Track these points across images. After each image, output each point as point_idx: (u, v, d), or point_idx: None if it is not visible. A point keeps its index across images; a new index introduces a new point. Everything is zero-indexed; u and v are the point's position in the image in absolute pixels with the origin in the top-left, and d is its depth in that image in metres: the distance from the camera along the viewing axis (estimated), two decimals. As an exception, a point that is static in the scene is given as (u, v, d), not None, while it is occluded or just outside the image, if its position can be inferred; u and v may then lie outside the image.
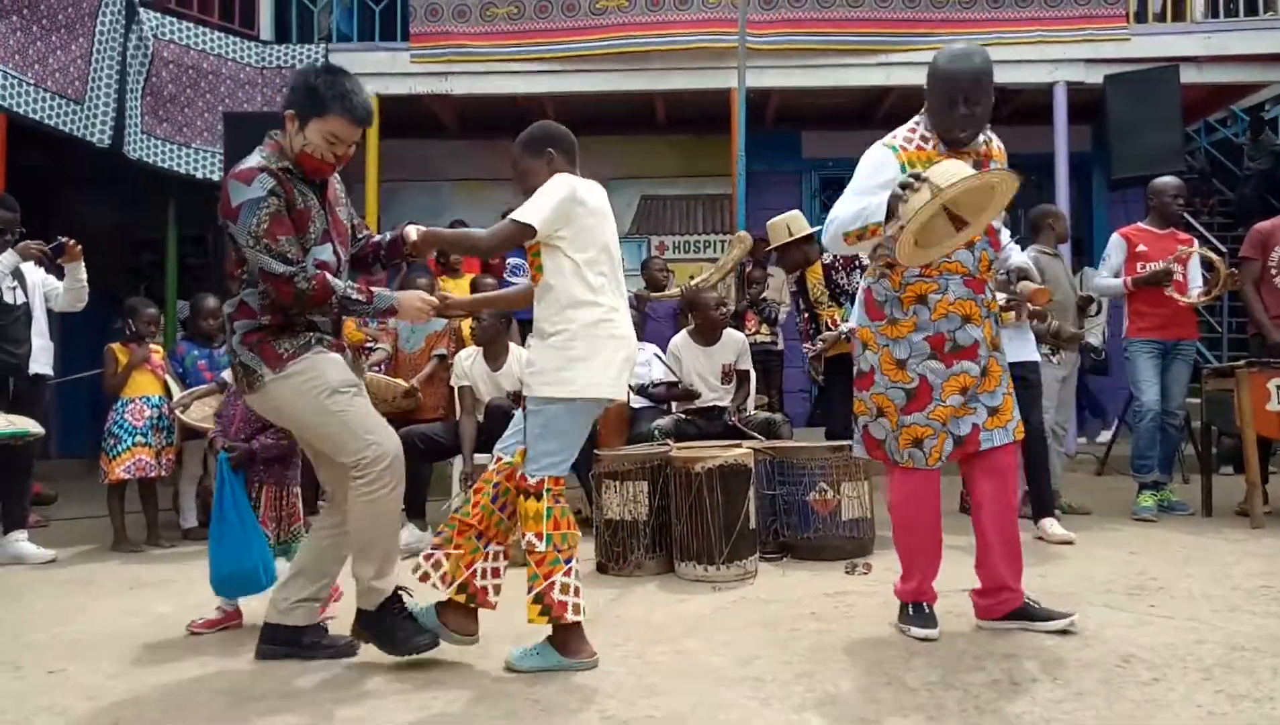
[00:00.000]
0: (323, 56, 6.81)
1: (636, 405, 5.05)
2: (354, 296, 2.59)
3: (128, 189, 7.94)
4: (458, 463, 4.60)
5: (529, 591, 2.55)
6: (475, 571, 2.63)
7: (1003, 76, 6.80)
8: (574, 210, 2.62)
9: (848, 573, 3.68)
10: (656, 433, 4.59)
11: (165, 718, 2.31)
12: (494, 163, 8.25)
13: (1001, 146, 2.93)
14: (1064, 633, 2.74)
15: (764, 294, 6.60)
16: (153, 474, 4.60)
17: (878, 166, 2.78)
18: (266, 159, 2.58)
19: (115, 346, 4.74)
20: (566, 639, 2.58)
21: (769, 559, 3.93)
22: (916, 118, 2.86)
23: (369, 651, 2.73)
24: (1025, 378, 4.45)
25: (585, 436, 2.70)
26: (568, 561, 2.56)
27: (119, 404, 4.63)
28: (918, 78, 6.76)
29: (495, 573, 2.68)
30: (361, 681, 2.55)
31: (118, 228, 8.31)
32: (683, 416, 4.88)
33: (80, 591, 3.73)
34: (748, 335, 5.79)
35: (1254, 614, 2.94)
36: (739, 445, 4.04)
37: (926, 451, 2.76)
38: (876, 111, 7.55)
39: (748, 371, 5.05)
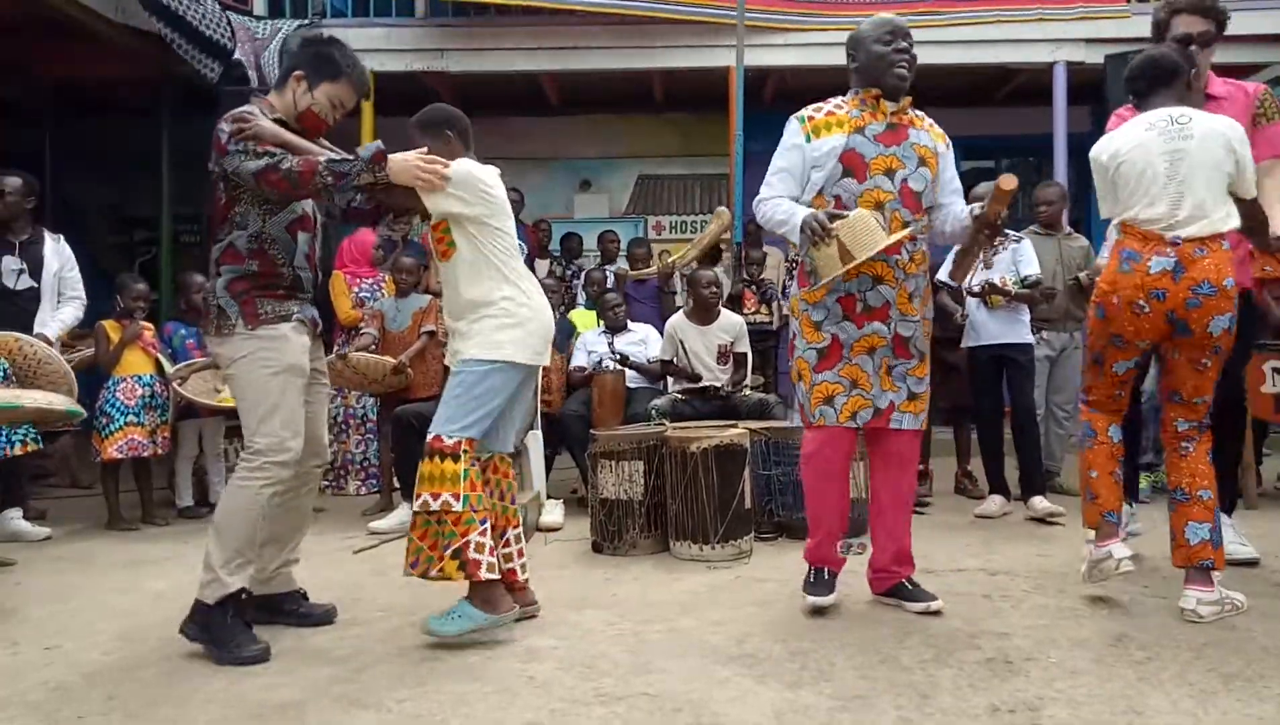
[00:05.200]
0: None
1: (633, 385, 5.05)
2: (336, 158, 2.61)
3: (119, 167, 7.89)
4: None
5: (447, 549, 2.59)
6: (513, 569, 2.80)
7: (1002, 56, 6.85)
8: (477, 187, 2.68)
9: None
10: (653, 412, 4.59)
11: (161, 694, 2.32)
12: (491, 141, 8.16)
13: (932, 122, 2.93)
14: (936, 614, 2.80)
15: (763, 275, 6.57)
16: (146, 453, 4.58)
17: (787, 145, 2.89)
18: (258, 111, 2.70)
19: (107, 323, 4.70)
20: (486, 595, 2.63)
21: (764, 538, 3.95)
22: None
23: (369, 628, 2.74)
24: (1016, 359, 4.48)
25: (504, 407, 2.74)
26: (482, 522, 2.62)
27: (110, 383, 4.60)
28: (919, 57, 6.74)
29: (520, 553, 2.86)
30: (357, 658, 2.55)
31: (109, 206, 8.27)
32: (679, 396, 4.88)
33: (76, 569, 3.74)
34: (745, 315, 5.78)
35: (1247, 594, 2.94)
36: (735, 425, 4.04)
37: (837, 408, 2.82)
38: (876, 91, 7.50)
39: (745, 354, 5.04)
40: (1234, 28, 6.58)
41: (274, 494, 2.64)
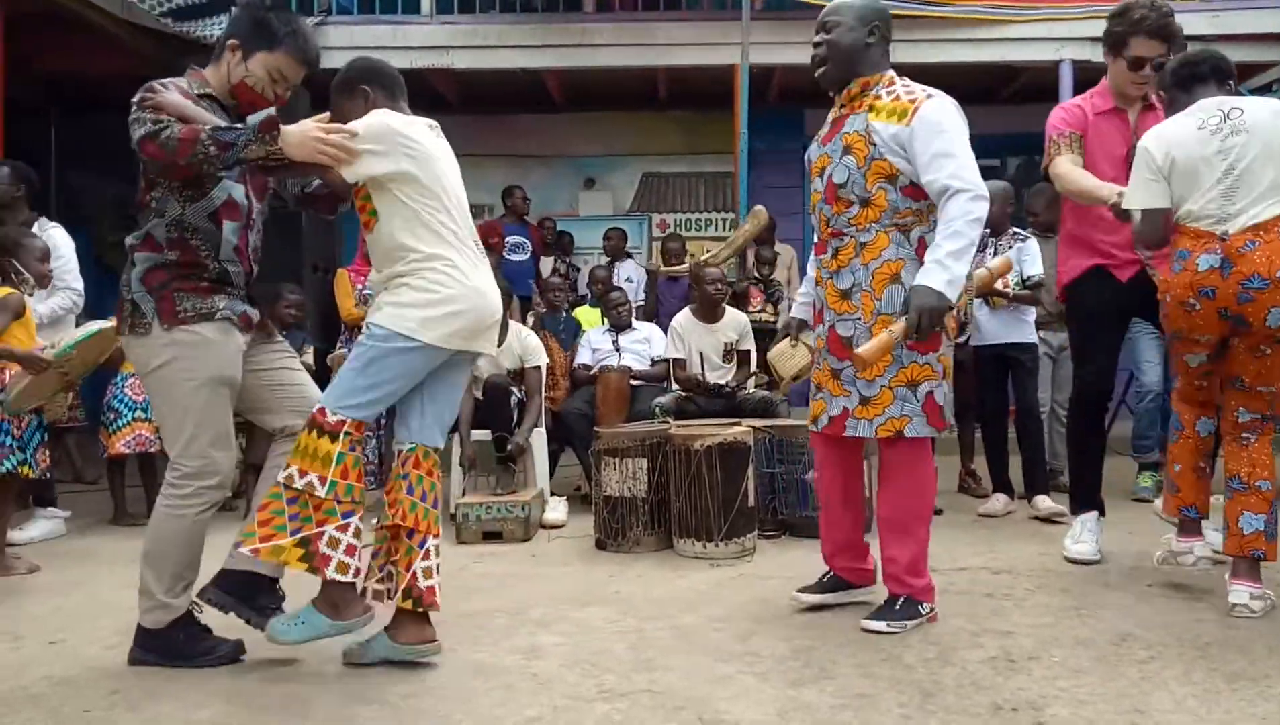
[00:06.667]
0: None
1: (636, 383, 5.05)
2: (222, 126, 2.34)
3: (124, 162, 7.87)
4: (455, 441, 4.60)
5: (293, 533, 2.28)
6: (415, 573, 2.37)
7: (1008, 54, 6.84)
8: (394, 137, 2.35)
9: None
10: (657, 410, 4.59)
11: (165, 688, 2.32)
12: (497, 138, 8.21)
13: (889, 97, 2.67)
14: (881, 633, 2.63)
15: (773, 275, 6.57)
16: (153, 449, 4.58)
17: None
18: (187, 84, 2.50)
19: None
20: (334, 598, 2.36)
21: (767, 536, 3.94)
22: None
23: (372, 623, 2.73)
24: (1019, 359, 4.50)
25: (407, 391, 2.40)
26: (345, 516, 2.31)
27: (118, 378, 4.61)
28: (921, 55, 6.77)
29: (435, 570, 2.44)
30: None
31: (114, 201, 8.28)
32: (683, 394, 4.88)
33: (80, 564, 3.75)
34: (751, 312, 5.78)
35: (1251, 594, 2.95)
36: (738, 423, 4.04)
37: (810, 411, 2.84)
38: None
39: (749, 352, 5.04)
40: (1234, 27, 6.64)
41: (210, 515, 2.46)
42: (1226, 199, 2.67)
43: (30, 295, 3.87)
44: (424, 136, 2.43)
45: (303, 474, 2.30)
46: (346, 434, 2.32)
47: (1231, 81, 2.90)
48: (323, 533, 2.30)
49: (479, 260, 2.48)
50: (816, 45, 2.76)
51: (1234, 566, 2.75)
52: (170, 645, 2.44)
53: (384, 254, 2.41)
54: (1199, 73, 2.88)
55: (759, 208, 5.89)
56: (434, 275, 2.35)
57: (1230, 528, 2.77)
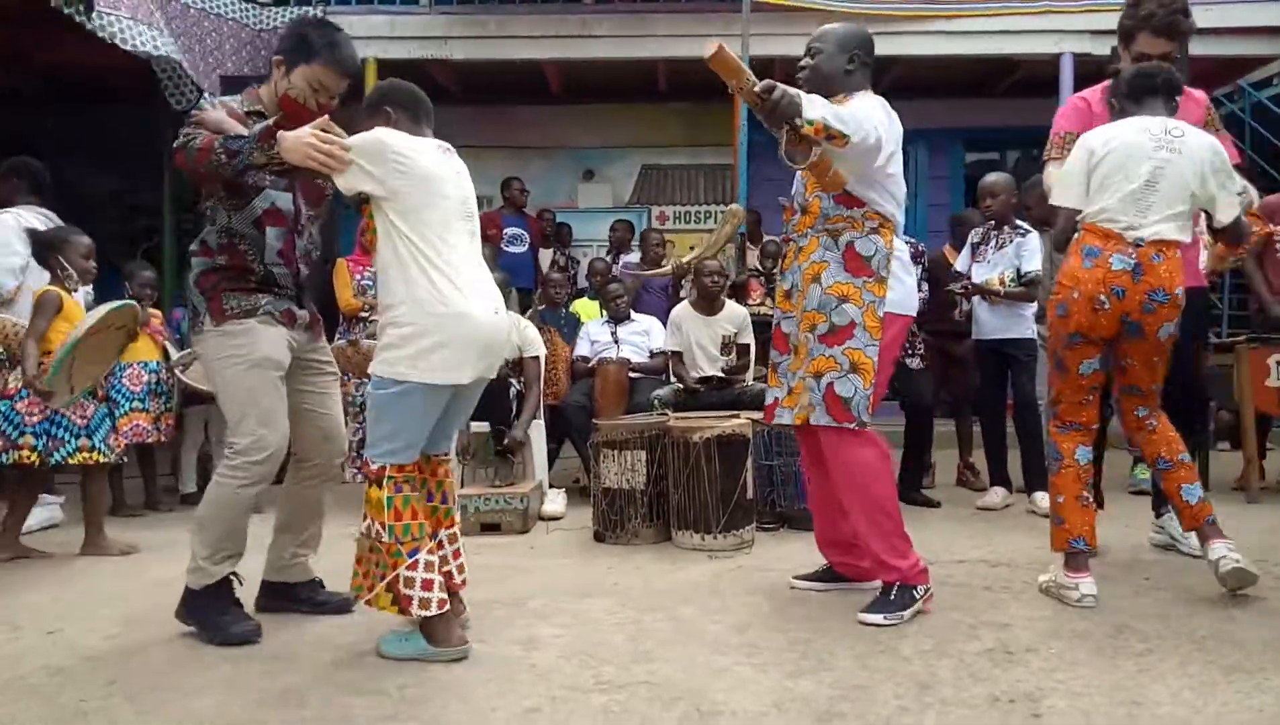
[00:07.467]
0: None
1: (635, 375, 5.05)
2: (232, 136, 2.47)
3: (121, 155, 7.88)
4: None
5: (381, 579, 2.42)
6: (449, 571, 2.55)
7: (1007, 47, 6.83)
8: (386, 156, 2.39)
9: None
10: (655, 402, 4.59)
11: (163, 679, 2.32)
12: (495, 129, 8.20)
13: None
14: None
15: (775, 268, 6.55)
16: (150, 440, 4.60)
17: None
18: (238, 102, 2.69)
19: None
20: (432, 632, 2.42)
21: (765, 529, 3.95)
22: None
23: (370, 616, 2.74)
24: (1016, 355, 4.50)
25: (433, 421, 2.49)
26: (411, 554, 2.39)
27: (117, 368, 4.60)
28: (924, 48, 6.76)
29: (456, 554, 2.61)
30: (359, 644, 2.56)
31: (112, 194, 8.27)
32: (681, 387, 4.88)
33: (79, 554, 3.74)
34: (751, 305, 5.78)
35: (1247, 588, 2.95)
36: (737, 416, 4.04)
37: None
38: (881, 81, 7.46)
39: (748, 345, 5.04)
40: (1235, 20, 6.62)
41: (256, 491, 2.61)
42: (1139, 208, 2.76)
43: (74, 291, 3.92)
44: (426, 156, 2.47)
45: (370, 522, 2.45)
46: (390, 478, 2.43)
47: (1178, 99, 2.96)
48: (398, 575, 2.40)
49: (474, 280, 2.48)
50: (801, 69, 2.86)
51: (1200, 534, 2.86)
52: (202, 608, 2.61)
53: (380, 278, 2.50)
54: (1151, 85, 2.94)
55: (734, 206, 5.92)
56: (407, 309, 2.40)
57: (1178, 504, 2.89)
